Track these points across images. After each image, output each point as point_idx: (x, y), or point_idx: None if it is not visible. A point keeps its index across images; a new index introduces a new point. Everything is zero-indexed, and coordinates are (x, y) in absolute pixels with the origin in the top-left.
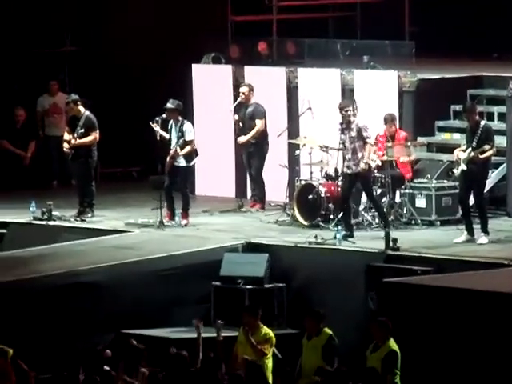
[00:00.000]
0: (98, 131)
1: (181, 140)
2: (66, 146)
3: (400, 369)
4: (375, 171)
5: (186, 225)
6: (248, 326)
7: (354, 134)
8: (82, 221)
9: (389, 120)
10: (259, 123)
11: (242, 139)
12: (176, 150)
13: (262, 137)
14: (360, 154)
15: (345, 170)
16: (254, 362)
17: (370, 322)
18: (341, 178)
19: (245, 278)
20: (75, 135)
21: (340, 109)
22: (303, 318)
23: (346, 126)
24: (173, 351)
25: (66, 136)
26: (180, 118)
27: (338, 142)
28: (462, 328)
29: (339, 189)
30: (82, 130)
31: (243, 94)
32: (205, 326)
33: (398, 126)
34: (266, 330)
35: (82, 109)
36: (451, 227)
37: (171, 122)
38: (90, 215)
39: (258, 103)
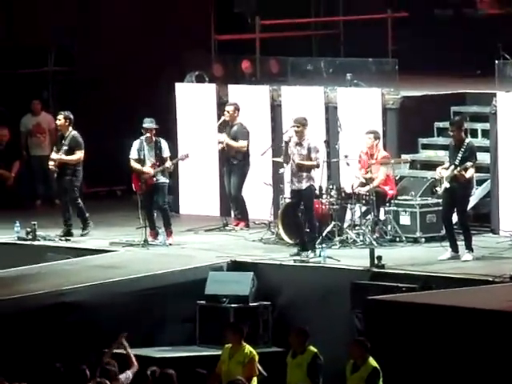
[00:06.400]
0: (83, 151)
1: (158, 157)
2: (51, 163)
3: None
4: (359, 188)
5: (170, 244)
6: (231, 343)
7: (304, 152)
8: (67, 240)
9: (368, 132)
10: (243, 144)
11: (222, 138)
12: (167, 167)
13: (244, 157)
14: (305, 174)
15: (291, 185)
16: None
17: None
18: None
19: (230, 297)
20: (60, 153)
21: (296, 124)
22: (288, 335)
23: (298, 141)
24: (152, 370)
25: (54, 155)
26: (153, 138)
27: (285, 155)
28: (447, 345)
29: (323, 206)
30: (66, 148)
31: (228, 112)
32: (190, 345)
33: (380, 146)
34: (248, 348)
35: (70, 128)
36: (436, 244)
37: (140, 142)
38: (85, 232)
39: (242, 124)
